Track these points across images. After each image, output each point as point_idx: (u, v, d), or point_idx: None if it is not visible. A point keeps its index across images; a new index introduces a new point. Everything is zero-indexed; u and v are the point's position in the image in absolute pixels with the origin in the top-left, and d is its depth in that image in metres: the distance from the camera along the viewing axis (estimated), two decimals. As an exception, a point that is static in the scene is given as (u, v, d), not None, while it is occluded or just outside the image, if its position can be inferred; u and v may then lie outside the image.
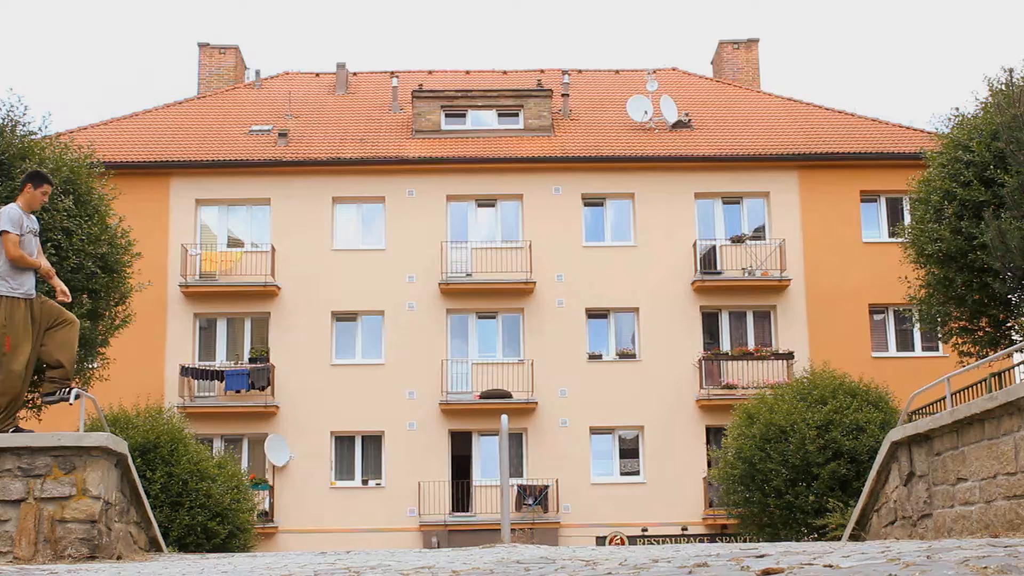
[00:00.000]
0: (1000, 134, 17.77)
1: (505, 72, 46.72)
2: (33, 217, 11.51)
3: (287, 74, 47.02)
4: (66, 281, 20.20)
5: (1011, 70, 18.76)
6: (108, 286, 21.51)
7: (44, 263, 11.51)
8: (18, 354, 11.19)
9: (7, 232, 11.12)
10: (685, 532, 35.98)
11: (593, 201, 39.33)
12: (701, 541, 35.82)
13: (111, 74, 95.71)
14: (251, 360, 37.65)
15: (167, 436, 21.79)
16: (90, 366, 22.14)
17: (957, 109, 21.67)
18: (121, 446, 11.52)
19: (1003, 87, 19.19)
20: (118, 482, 11.63)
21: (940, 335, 23.60)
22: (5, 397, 11.26)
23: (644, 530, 35.97)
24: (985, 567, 5.24)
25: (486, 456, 37.32)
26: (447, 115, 41.41)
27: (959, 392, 20.11)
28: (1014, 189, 15.56)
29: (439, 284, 37.93)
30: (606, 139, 40.52)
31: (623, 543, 35.65)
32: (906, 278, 23.29)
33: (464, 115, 41.61)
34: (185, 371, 36.93)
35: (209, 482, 21.99)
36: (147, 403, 23.81)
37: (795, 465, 22.87)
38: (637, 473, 37.52)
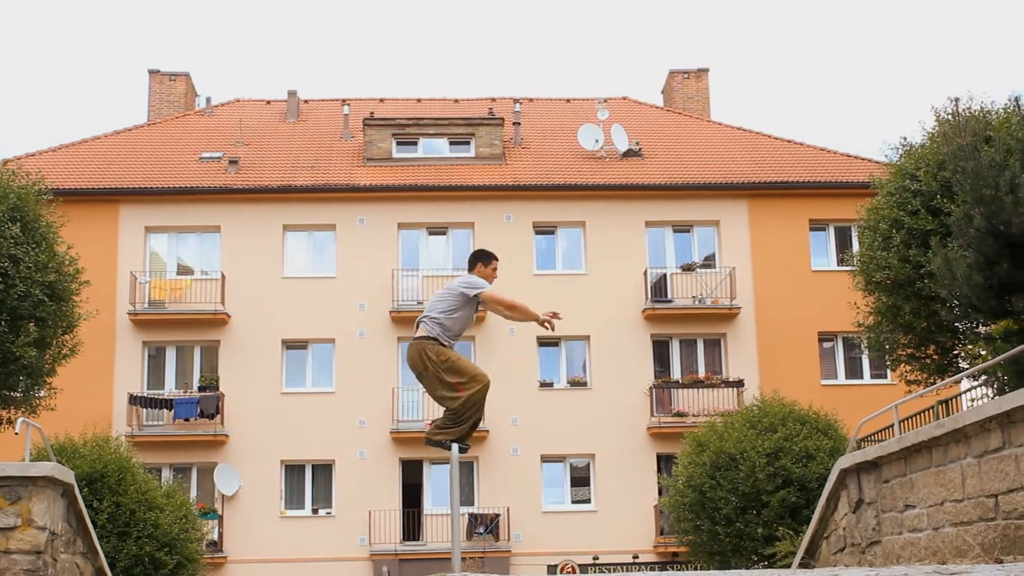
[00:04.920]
0: (947, 163, 17.94)
1: (456, 100, 46.75)
2: None
3: (238, 101, 46.85)
4: (12, 309, 20.05)
5: (957, 100, 18.92)
6: (56, 314, 21.33)
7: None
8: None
9: (484, 290, 11.62)
10: (636, 560, 35.96)
11: (544, 229, 39.38)
12: (652, 569, 35.85)
13: (60, 100, 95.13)
14: (200, 388, 37.38)
15: (114, 465, 21.61)
16: (37, 395, 21.92)
17: (905, 139, 21.83)
18: (67, 476, 11.41)
19: (950, 117, 19.37)
20: (64, 512, 11.51)
21: (888, 362, 23.73)
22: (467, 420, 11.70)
23: (595, 558, 35.92)
24: (932, 594, 5.26)
25: (437, 485, 37.17)
26: (398, 143, 41.36)
27: (907, 419, 20.26)
28: (960, 218, 15.71)
29: (390, 312, 37.83)
30: (557, 167, 40.60)
31: (574, 571, 35.62)
32: (856, 304, 23.42)
33: (415, 143, 41.57)
34: (133, 399, 36.60)
35: (157, 512, 21.80)
36: (94, 432, 23.59)
37: (745, 493, 22.94)
38: (588, 501, 37.49)
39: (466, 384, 11.45)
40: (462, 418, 11.56)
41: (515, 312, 11.80)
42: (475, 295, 11.55)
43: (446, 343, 11.46)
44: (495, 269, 11.89)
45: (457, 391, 11.41)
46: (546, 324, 11.61)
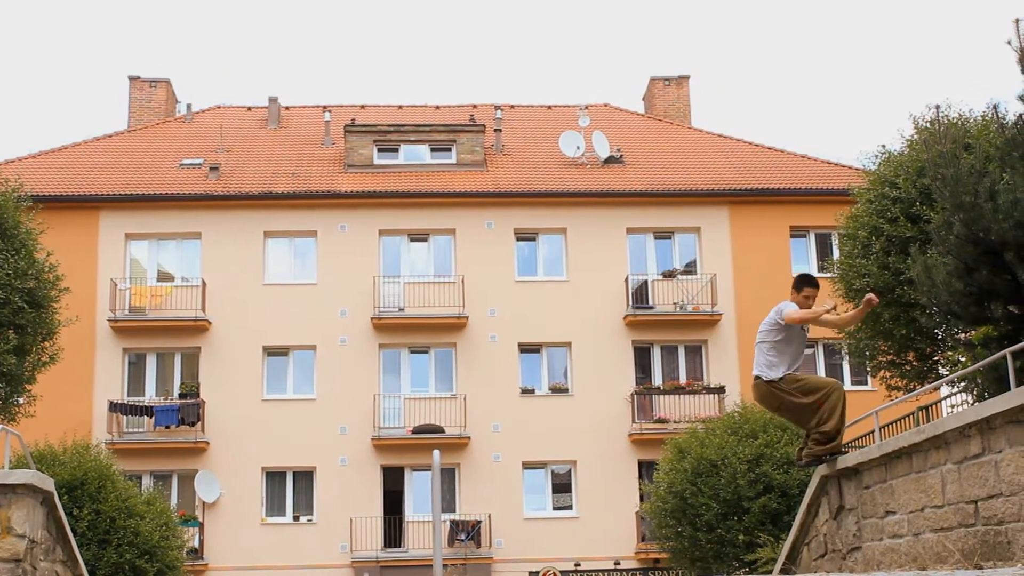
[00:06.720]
0: (926, 170, 17.99)
1: (438, 107, 46.74)
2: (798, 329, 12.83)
3: (219, 108, 46.74)
4: (-8, 316, 19.96)
5: (937, 107, 18.97)
6: (35, 321, 21.28)
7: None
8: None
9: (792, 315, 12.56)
10: (618, 566, 35.97)
11: (525, 236, 39.38)
12: (634, 575, 35.91)
13: (39, 106, 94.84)
14: (181, 395, 37.27)
15: (95, 473, 21.57)
16: (16, 402, 21.86)
17: (884, 146, 21.91)
18: (47, 484, 11.37)
19: (929, 124, 19.43)
20: (44, 520, 11.47)
21: (868, 369, 23.77)
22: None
23: (577, 564, 35.92)
24: (912, 600, 5.29)
25: (418, 491, 37.12)
26: (379, 149, 41.32)
27: (887, 426, 20.28)
28: (940, 225, 15.75)
29: (371, 319, 37.79)
30: (538, 174, 40.62)
31: (556, 578, 35.65)
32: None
33: (397, 149, 41.53)
34: (114, 407, 36.47)
35: (137, 519, 21.77)
36: (74, 439, 23.54)
37: (726, 499, 22.97)
38: (570, 507, 37.48)
39: (821, 398, 12.29)
40: (831, 430, 12.36)
41: (824, 323, 13.07)
42: (783, 321, 12.62)
43: (781, 376, 12.41)
44: (807, 297, 12.93)
45: (819, 406, 12.24)
46: (871, 300, 12.91)
